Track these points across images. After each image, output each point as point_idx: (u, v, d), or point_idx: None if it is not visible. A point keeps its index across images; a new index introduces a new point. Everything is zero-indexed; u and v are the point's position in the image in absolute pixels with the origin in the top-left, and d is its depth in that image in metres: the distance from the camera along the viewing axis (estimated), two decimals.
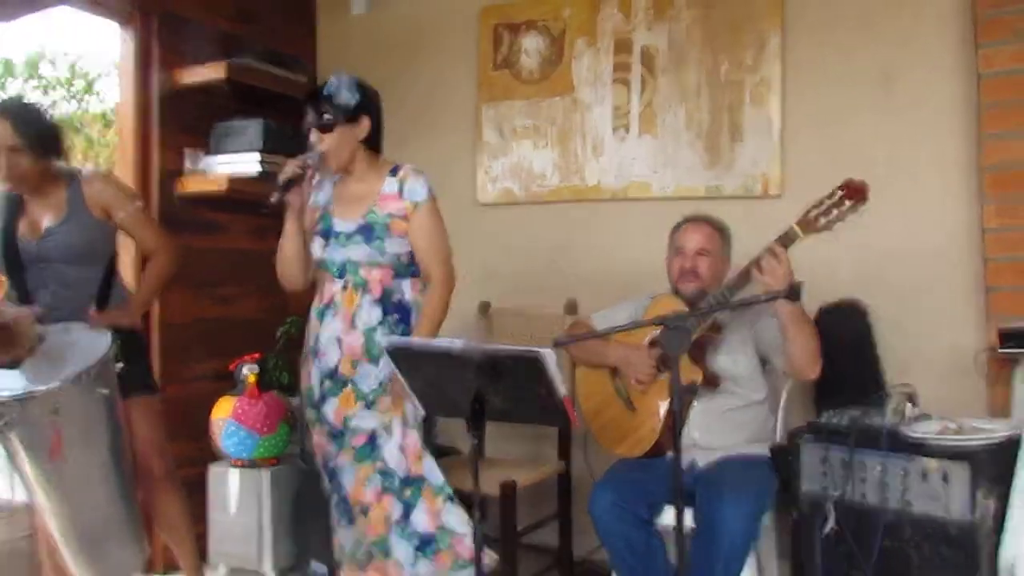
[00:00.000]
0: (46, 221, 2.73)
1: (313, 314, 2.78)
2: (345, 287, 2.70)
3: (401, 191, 2.72)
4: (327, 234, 2.72)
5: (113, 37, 3.54)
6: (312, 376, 2.74)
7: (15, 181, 2.70)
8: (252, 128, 3.52)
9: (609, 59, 3.63)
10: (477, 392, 2.17)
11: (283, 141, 3.57)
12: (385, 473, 2.67)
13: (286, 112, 3.80)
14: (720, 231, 2.90)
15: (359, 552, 2.73)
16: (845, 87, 3.22)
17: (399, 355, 2.36)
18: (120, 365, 2.55)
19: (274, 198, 2.59)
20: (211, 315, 3.65)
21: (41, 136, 2.68)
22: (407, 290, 2.74)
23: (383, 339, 2.60)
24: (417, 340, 2.59)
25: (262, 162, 3.49)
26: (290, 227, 2.71)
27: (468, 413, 2.19)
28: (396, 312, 2.72)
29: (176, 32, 3.52)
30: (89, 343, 2.50)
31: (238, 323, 3.57)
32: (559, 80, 3.73)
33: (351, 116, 2.68)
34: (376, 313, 2.69)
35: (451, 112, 3.93)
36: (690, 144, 3.48)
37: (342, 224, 2.71)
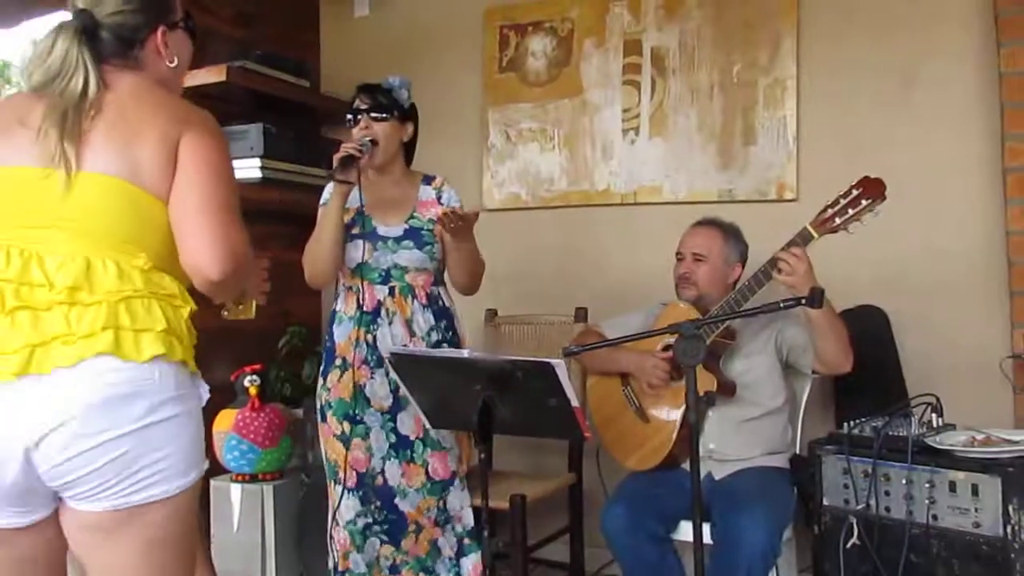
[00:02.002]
0: None
1: (347, 322, 2.65)
2: (392, 293, 2.63)
3: (439, 198, 2.74)
4: (371, 237, 2.62)
5: None
6: (379, 385, 2.60)
7: None
8: (252, 132, 3.45)
9: (618, 60, 3.55)
10: (485, 403, 2.10)
11: (284, 146, 3.51)
12: (442, 511, 2.64)
13: (287, 116, 3.74)
14: (724, 232, 2.82)
15: (383, 566, 2.65)
16: (863, 88, 3.14)
17: (402, 365, 2.28)
18: None
19: (334, 174, 2.54)
20: (211, 325, 3.54)
21: None
22: (444, 296, 2.74)
23: (382, 347, 2.53)
24: (422, 349, 2.52)
25: (263, 167, 3.42)
26: (335, 211, 2.57)
27: (475, 426, 2.12)
28: (444, 318, 2.70)
29: None
30: None
31: (239, 333, 3.48)
32: (567, 82, 3.65)
33: (403, 115, 2.70)
34: (429, 318, 2.66)
35: (456, 115, 3.86)
36: (702, 147, 3.39)
37: (386, 228, 2.64)
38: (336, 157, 2.53)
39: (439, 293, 2.72)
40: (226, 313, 1.83)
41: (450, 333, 2.70)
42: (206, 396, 1.57)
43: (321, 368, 2.73)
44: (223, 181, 1.54)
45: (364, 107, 2.64)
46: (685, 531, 2.57)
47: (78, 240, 1.46)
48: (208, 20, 3.60)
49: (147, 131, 1.50)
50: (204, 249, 1.48)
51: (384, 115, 2.64)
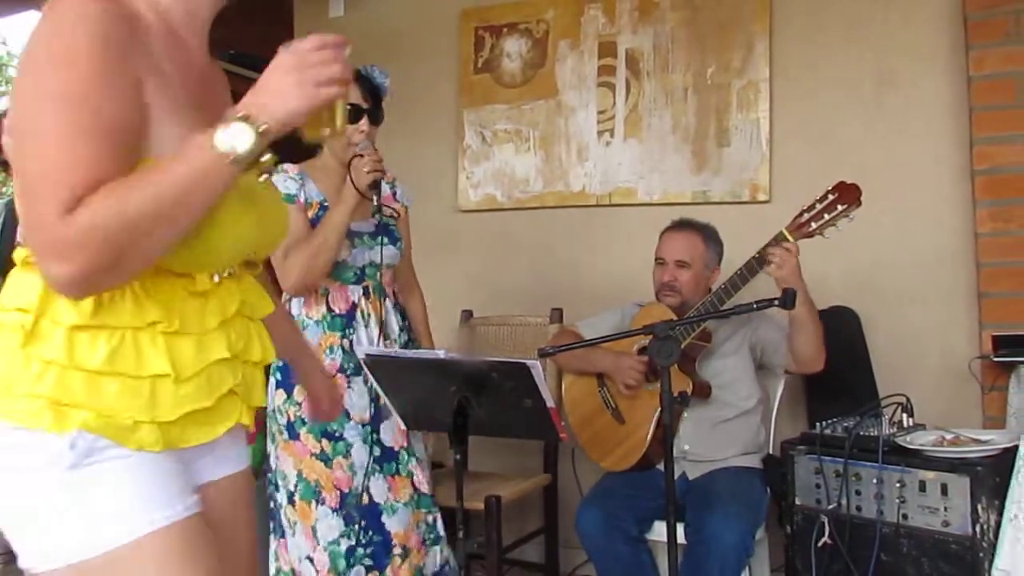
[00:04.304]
0: None
1: (314, 327, 2.47)
2: (367, 293, 2.51)
3: (395, 194, 2.67)
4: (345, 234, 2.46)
5: None
6: (357, 395, 2.44)
7: None
8: None
9: (593, 62, 3.56)
10: (460, 405, 2.09)
11: None
12: (432, 528, 2.54)
13: None
14: (705, 237, 2.82)
15: None
16: (835, 90, 3.17)
17: (378, 366, 2.27)
18: None
19: (372, 198, 2.41)
20: None
21: None
22: (397, 294, 2.66)
23: (358, 349, 2.42)
24: (397, 350, 2.50)
25: None
26: (346, 221, 2.41)
27: (451, 427, 2.11)
28: (405, 318, 2.65)
29: None
30: None
31: None
32: (542, 83, 3.65)
33: None
34: (398, 319, 2.58)
35: (431, 117, 3.85)
36: (676, 149, 3.41)
37: (356, 224, 2.49)
38: (373, 180, 2.39)
39: (397, 291, 2.65)
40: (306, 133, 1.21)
41: (410, 335, 2.64)
42: (58, 460, 1.11)
43: (280, 379, 2.48)
44: (35, 114, 1.04)
45: (366, 108, 2.48)
46: (659, 531, 2.58)
47: None
48: None
49: None
50: (32, 247, 1.08)
51: (380, 122, 2.54)
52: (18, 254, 1.15)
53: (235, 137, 1.07)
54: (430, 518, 2.54)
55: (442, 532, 2.58)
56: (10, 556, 1.17)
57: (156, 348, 1.15)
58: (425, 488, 2.54)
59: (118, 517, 1.12)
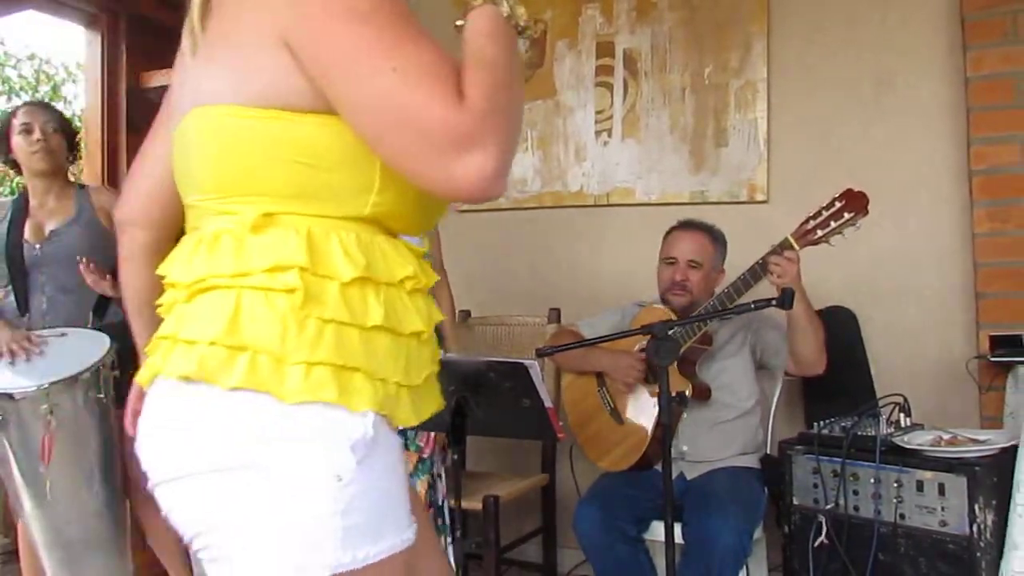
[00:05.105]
0: (51, 224, 2.81)
1: None
2: None
3: None
4: None
5: (80, 39, 3.45)
6: None
7: (47, 156, 2.78)
8: None
9: (591, 62, 3.56)
10: (458, 405, 2.09)
11: None
12: (429, 487, 2.63)
13: None
14: (713, 238, 2.82)
15: None
16: (833, 90, 3.17)
17: None
18: (116, 373, 2.56)
19: None
20: None
21: (70, 128, 2.90)
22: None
23: None
24: None
25: None
26: None
27: (448, 427, 2.11)
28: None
29: (144, 34, 3.41)
30: (86, 348, 2.53)
31: None
32: (540, 83, 3.65)
33: None
34: None
35: None
36: (674, 149, 3.41)
37: None
38: None
39: None
40: None
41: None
42: (347, 451, 0.97)
43: None
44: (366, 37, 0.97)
45: None
46: (657, 531, 2.58)
47: None
48: (175, 18, 3.55)
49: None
50: (425, 178, 0.95)
51: None
52: (238, 221, 1.02)
53: (513, 9, 1.08)
54: (428, 479, 2.61)
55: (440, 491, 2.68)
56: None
57: (408, 305, 1.07)
58: (427, 452, 2.62)
59: (378, 526, 1.00)
